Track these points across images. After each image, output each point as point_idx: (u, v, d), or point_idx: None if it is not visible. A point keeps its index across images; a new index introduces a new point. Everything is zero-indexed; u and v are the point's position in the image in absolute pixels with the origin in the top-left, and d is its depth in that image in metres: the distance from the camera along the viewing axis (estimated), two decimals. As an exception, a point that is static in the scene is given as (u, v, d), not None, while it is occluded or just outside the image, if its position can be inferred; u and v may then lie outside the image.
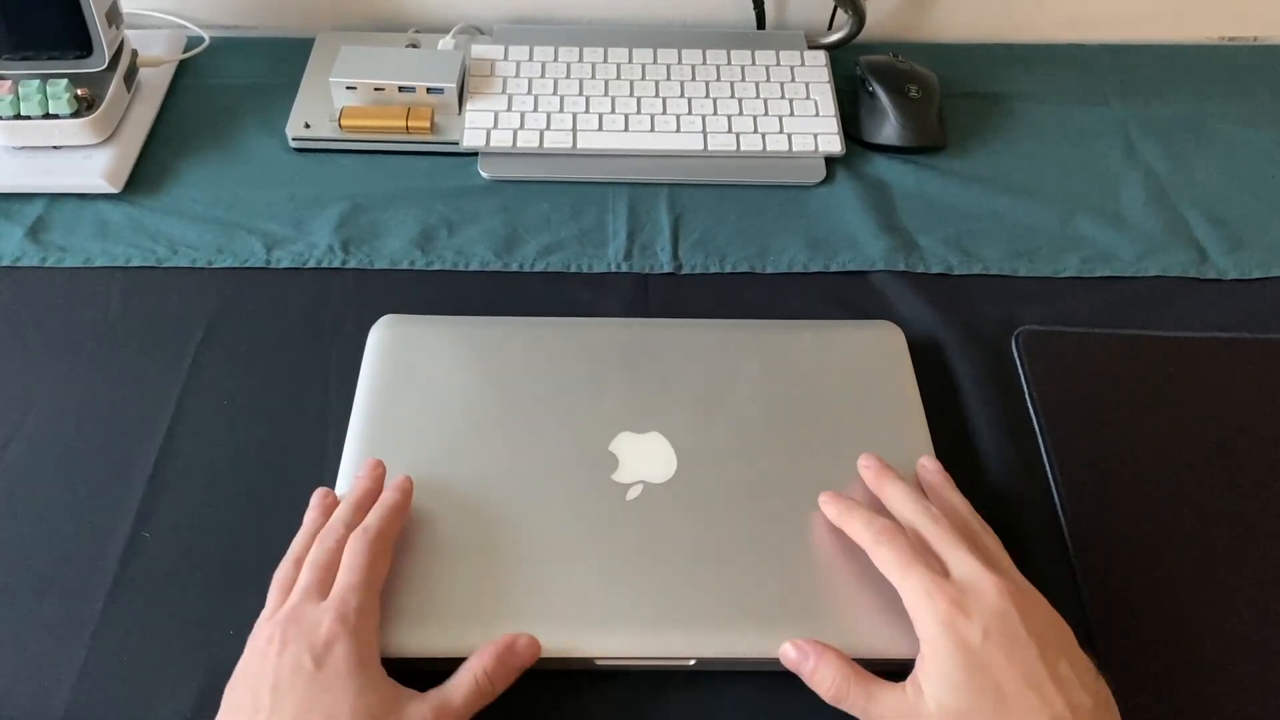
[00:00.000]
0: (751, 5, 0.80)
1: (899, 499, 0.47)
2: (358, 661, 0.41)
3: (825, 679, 0.44)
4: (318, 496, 0.50)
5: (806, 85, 0.76)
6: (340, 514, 0.47)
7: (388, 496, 0.48)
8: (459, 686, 0.43)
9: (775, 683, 0.47)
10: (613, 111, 0.73)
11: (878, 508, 0.48)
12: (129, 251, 0.65)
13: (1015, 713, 0.39)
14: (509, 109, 0.73)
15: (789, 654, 0.45)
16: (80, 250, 0.65)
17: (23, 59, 0.67)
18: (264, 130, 0.73)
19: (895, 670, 0.44)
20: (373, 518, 0.46)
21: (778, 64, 0.77)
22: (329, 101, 0.72)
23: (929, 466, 0.51)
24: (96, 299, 0.62)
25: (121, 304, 0.62)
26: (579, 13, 0.82)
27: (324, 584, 0.44)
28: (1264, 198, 0.71)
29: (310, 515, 0.49)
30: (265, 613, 0.44)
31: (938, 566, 0.43)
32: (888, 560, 0.44)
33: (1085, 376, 0.59)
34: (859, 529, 0.46)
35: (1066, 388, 0.59)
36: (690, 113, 0.73)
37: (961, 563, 0.43)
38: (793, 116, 0.73)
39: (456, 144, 0.71)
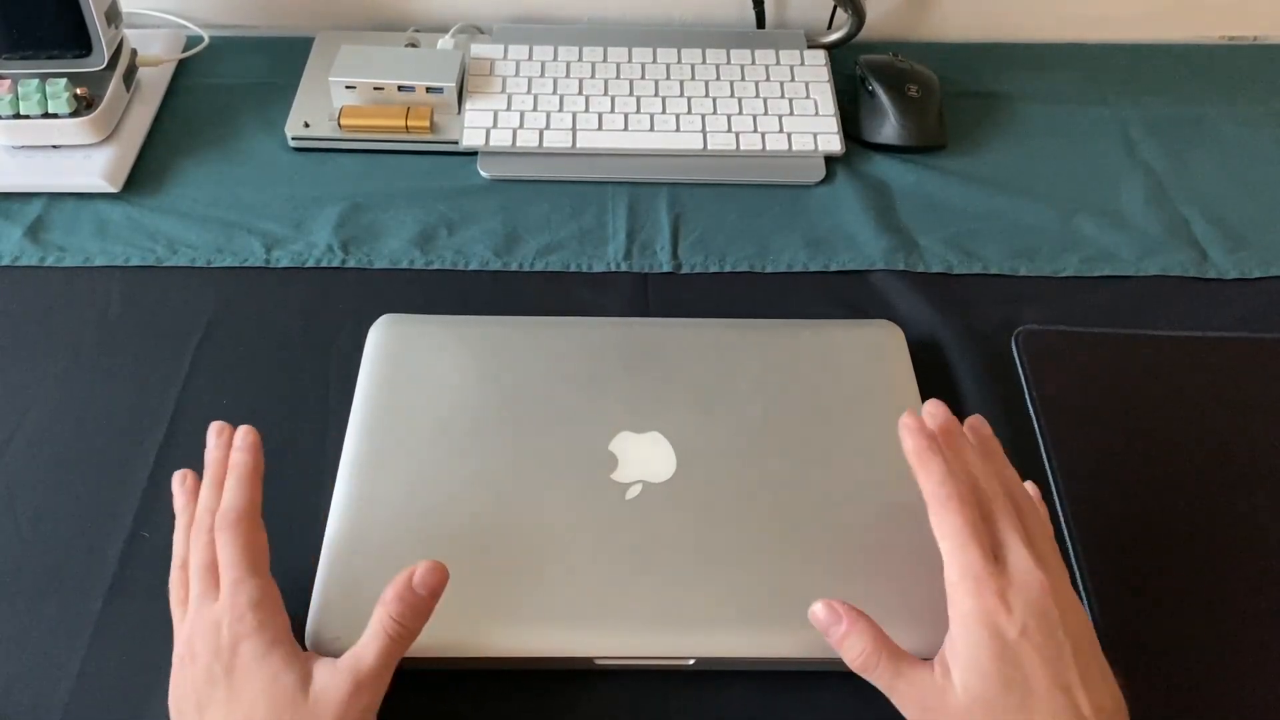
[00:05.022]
0: (751, 5, 0.80)
1: (975, 461, 0.45)
2: (264, 652, 0.41)
3: (855, 647, 0.43)
4: (177, 482, 0.49)
5: (806, 85, 0.75)
6: (203, 501, 0.46)
7: (236, 462, 0.46)
8: (369, 643, 0.42)
9: (775, 683, 0.47)
10: (612, 111, 0.73)
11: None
12: (128, 251, 0.65)
13: (1041, 711, 0.39)
14: (508, 108, 0.72)
15: (819, 613, 0.44)
16: (79, 250, 0.65)
17: (22, 58, 0.67)
18: (263, 130, 0.73)
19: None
20: (228, 498, 0.45)
21: (777, 63, 0.77)
22: (328, 101, 0.72)
23: (983, 431, 0.48)
24: (96, 298, 0.62)
25: (121, 303, 0.62)
26: (578, 12, 0.82)
27: (213, 585, 0.43)
28: (1264, 198, 0.71)
29: (178, 504, 0.48)
30: (175, 627, 0.44)
31: (990, 549, 0.42)
32: (948, 526, 0.42)
33: (1085, 376, 0.59)
34: (933, 481, 0.43)
35: (1066, 388, 0.58)
36: (690, 112, 0.73)
37: (1016, 553, 0.42)
38: (792, 116, 0.73)
39: (456, 143, 0.71)
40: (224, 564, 0.43)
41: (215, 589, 0.43)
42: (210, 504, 0.46)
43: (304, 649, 0.44)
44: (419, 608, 0.42)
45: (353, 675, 0.41)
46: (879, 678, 0.42)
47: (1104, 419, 0.57)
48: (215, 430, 0.49)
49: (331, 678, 0.41)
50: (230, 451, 0.47)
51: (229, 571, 0.43)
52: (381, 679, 0.42)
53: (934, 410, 0.47)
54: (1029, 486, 0.48)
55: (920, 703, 0.41)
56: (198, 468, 0.54)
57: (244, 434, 0.48)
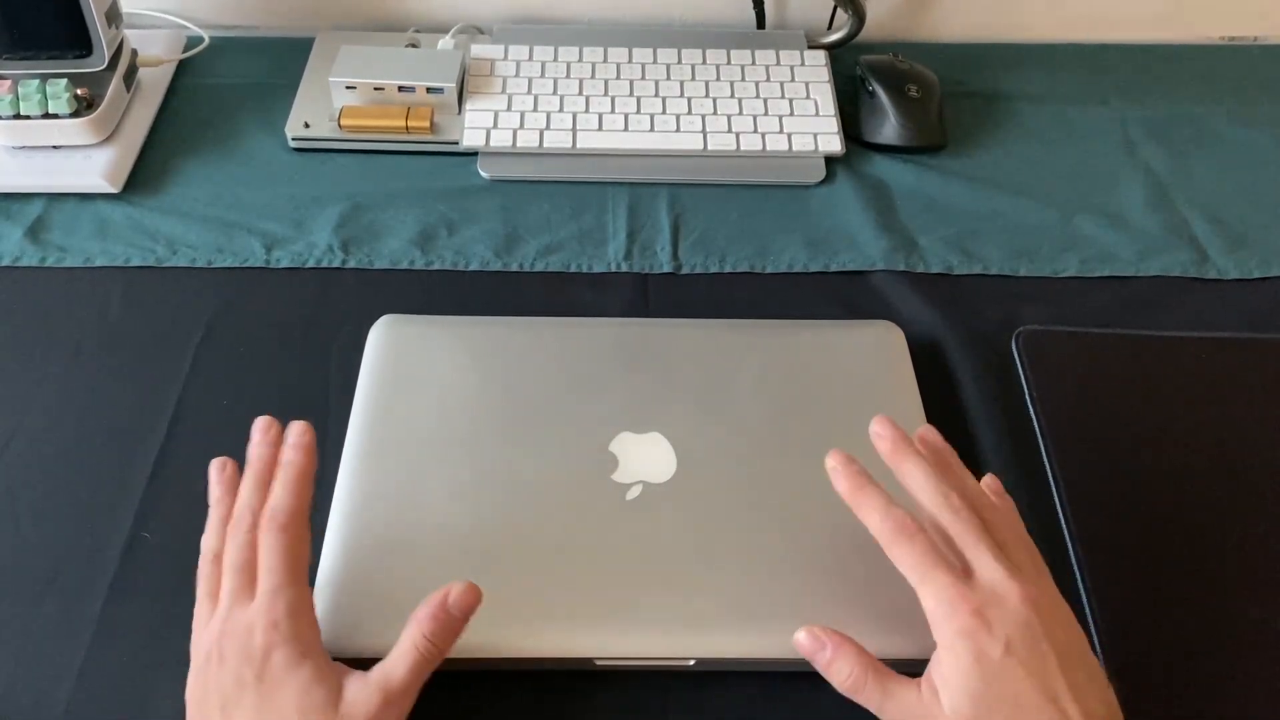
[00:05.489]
0: (751, 5, 0.80)
1: (920, 481, 0.44)
2: (296, 662, 0.40)
3: (842, 671, 0.43)
4: (215, 470, 0.47)
5: (806, 85, 0.75)
6: (245, 498, 0.45)
7: (289, 460, 0.45)
8: (400, 659, 0.41)
9: (775, 683, 0.47)
10: (612, 111, 0.73)
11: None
12: (128, 251, 0.65)
13: None
14: (509, 109, 0.73)
15: (803, 642, 0.44)
16: (80, 250, 0.65)
17: (22, 59, 0.67)
18: (264, 130, 0.73)
19: (895, 668, 0.44)
20: (278, 498, 0.44)
21: (778, 64, 0.77)
22: (329, 101, 0.72)
23: (931, 440, 0.48)
24: (96, 299, 0.62)
25: (121, 304, 0.62)
26: (579, 12, 0.82)
27: (248, 585, 0.42)
28: (1264, 198, 0.71)
29: (214, 495, 0.46)
30: (198, 620, 0.43)
31: (958, 566, 0.42)
32: (906, 560, 0.42)
33: (1085, 376, 0.59)
34: (874, 518, 0.43)
35: (1066, 388, 0.58)
36: (690, 112, 0.73)
37: (985, 566, 0.42)
38: (792, 116, 0.73)
39: (456, 144, 0.71)
40: (265, 568, 0.42)
41: (250, 590, 0.42)
42: (252, 502, 0.45)
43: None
44: (451, 627, 0.42)
45: (382, 691, 0.41)
46: (868, 699, 0.42)
47: (1104, 419, 0.57)
48: (262, 426, 0.47)
49: (361, 692, 0.40)
50: (282, 449, 0.46)
51: (269, 576, 0.42)
52: (410, 695, 0.41)
53: (880, 429, 0.46)
54: (989, 480, 0.47)
55: None
56: (198, 468, 0.54)
57: (300, 431, 0.46)
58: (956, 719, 0.40)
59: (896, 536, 0.42)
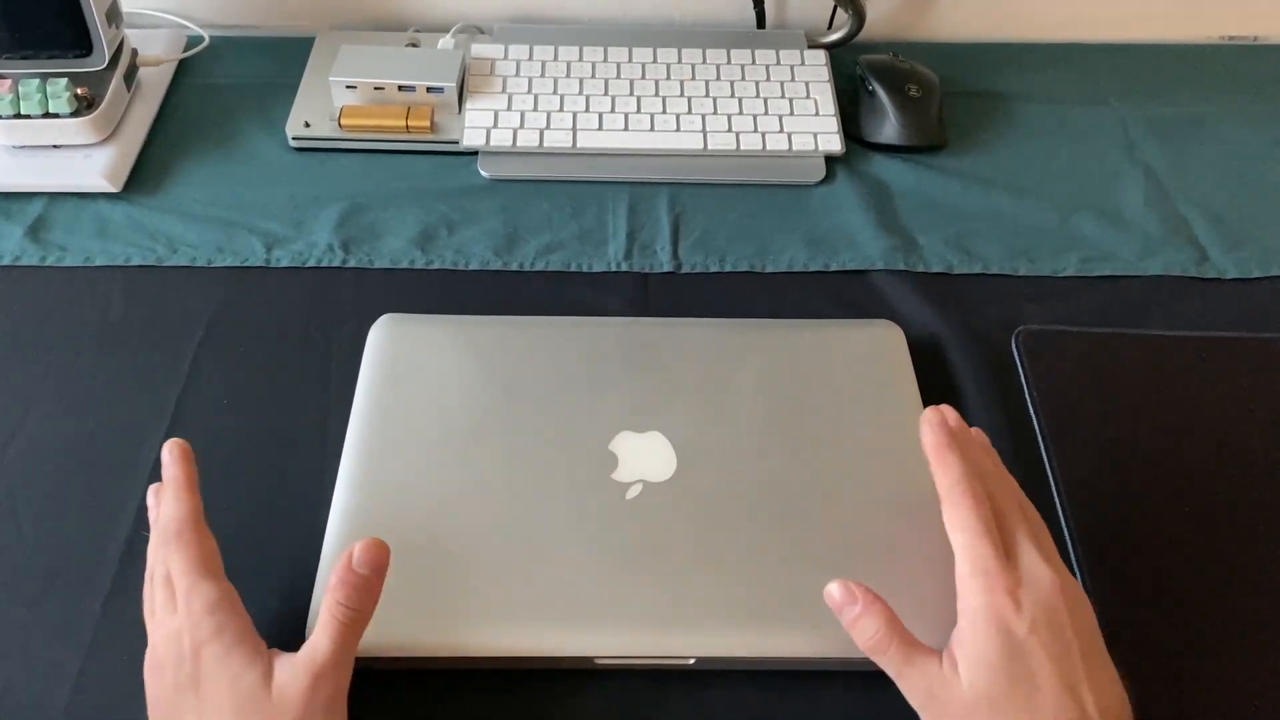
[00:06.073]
0: (751, 4, 0.80)
1: (985, 464, 0.46)
2: (224, 654, 0.41)
3: (868, 629, 0.42)
4: (151, 495, 0.48)
5: (806, 84, 0.76)
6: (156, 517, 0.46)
7: (168, 476, 0.46)
8: (322, 632, 0.41)
9: (775, 683, 0.47)
10: (613, 111, 0.73)
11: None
12: (129, 251, 0.65)
13: (1047, 709, 0.39)
14: (509, 108, 0.73)
15: (834, 593, 0.43)
16: (80, 249, 0.65)
17: (22, 58, 0.67)
18: (264, 129, 0.73)
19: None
20: (165, 510, 0.45)
21: (778, 63, 0.77)
22: (329, 101, 0.72)
23: (985, 443, 0.49)
24: (96, 298, 0.62)
25: (121, 303, 0.62)
26: (579, 12, 0.82)
27: (171, 595, 0.43)
28: (1264, 197, 0.71)
29: (151, 518, 0.47)
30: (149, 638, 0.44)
31: (1002, 546, 0.42)
32: (962, 520, 0.43)
33: (1085, 376, 0.59)
34: (950, 476, 0.44)
35: (1066, 388, 0.58)
36: (690, 112, 0.73)
37: (1026, 552, 0.42)
38: (793, 116, 0.73)
39: (456, 143, 0.71)
40: (174, 574, 0.43)
41: (174, 599, 0.43)
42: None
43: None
44: (363, 588, 0.42)
45: (310, 669, 0.41)
46: (889, 663, 0.42)
47: (1104, 419, 0.57)
48: (165, 448, 0.48)
49: (290, 673, 0.41)
50: (162, 467, 0.47)
51: (180, 580, 0.43)
52: (340, 667, 0.41)
53: (948, 414, 0.47)
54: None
55: (927, 691, 0.41)
56: (198, 467, 0.54)
57: (171, 447, 0.47)
58: (973, 692, 0.40)
59: (963, 498, 0.43)
